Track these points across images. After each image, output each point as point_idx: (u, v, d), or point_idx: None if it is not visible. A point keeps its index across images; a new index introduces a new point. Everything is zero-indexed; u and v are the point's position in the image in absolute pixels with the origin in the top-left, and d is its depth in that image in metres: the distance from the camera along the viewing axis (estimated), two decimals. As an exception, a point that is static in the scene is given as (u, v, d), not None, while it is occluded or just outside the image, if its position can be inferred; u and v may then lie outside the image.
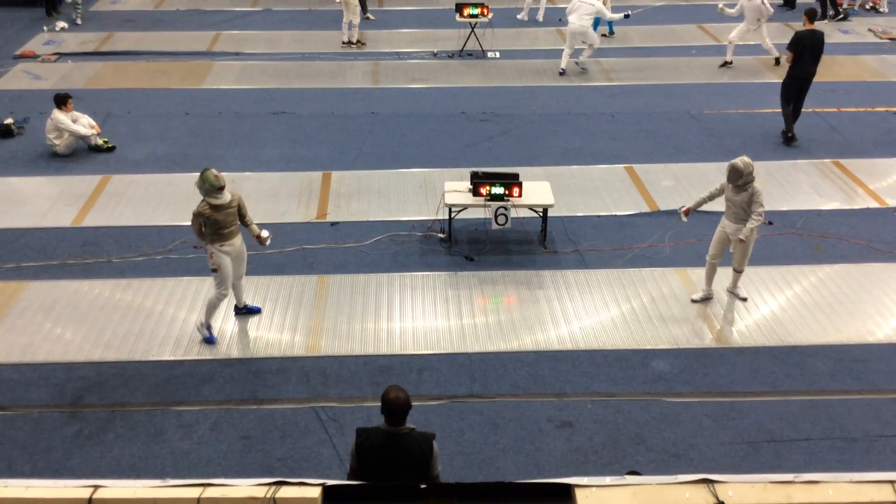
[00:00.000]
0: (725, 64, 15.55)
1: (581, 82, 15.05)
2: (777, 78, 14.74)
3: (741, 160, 8.01)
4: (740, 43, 15.55)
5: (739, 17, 15.37)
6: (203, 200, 7.58)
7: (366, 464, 5.10)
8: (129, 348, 8.11)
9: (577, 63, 15.39)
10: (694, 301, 8.80)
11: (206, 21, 18.51)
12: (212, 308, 8.09)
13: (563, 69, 15.19)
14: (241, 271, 8.23)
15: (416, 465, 5.07)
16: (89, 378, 7.73)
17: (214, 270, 7.90)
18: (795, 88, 12.10)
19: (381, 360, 7.99)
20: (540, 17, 18.46)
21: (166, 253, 9.65)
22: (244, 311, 8.54)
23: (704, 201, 8.57)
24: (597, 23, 16.51)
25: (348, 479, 5.28)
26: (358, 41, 16.81)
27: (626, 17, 15.60)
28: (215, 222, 7.60)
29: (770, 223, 10.06)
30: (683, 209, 8.66)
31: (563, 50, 15.35)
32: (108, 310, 8.66)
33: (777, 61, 15.52)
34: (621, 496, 4.01)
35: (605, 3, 15.66)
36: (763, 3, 14.77)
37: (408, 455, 5.06)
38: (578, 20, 14.67)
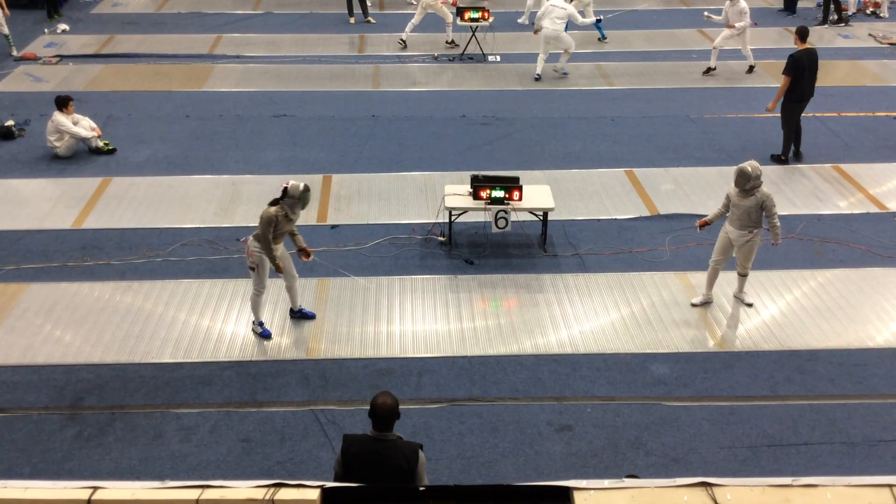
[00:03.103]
0: (709, 70, 15.44)
1: (581, 86, 15.06)
2: (778, 83, 14.77)
3: (749, 164, 8.03)
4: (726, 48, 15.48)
5: (724, 22, 15.31)
6: (279, 206, 7.76)
7: (350, 470, 5.07)
8: (128, 350, 8.12)
9: (555, 70, 15.35)
10: (694, 305, 8.80)
11: (207, 24, 18.54)
12: (254, 306, 8.26)
13: (538, 75, 15.17)
14: (291, 271, 8.29)
15: (399, 473, 5.03)
16: (89, 380, 7.74)
17: (252, 269, 8.02)
18: (799, 111, 11.78)
19: (381, 363, 8.00)
20: (525, 18, 18.53)
21: (167, 255, 9.66)
22: (298, 315, 8.56)
23: (720, 215, 8.52)
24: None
25: None
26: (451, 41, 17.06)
27: (598, 21, 15.56)
28: (279, 228, 7.81)
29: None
30: (700, 221, 8.62)
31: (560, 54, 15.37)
32: (108, 312, 8.66)
33: (751, 69, 15.39)
34: (620, 499, 4.01)
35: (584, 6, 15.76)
36: (745, 8, 14.67)
37: (391, 463, 5.02)
38: (551, 24, 14.63)
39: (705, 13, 16.02)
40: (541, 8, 15.08)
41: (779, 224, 8.25)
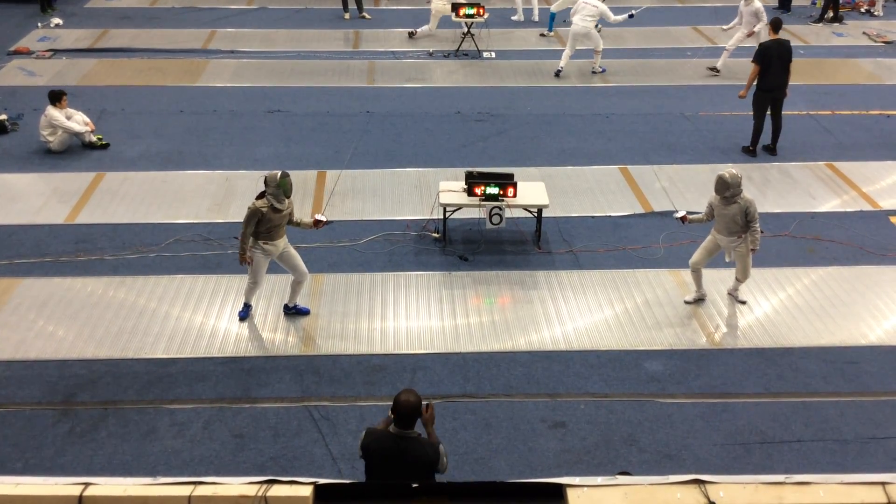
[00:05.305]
0: (714, 70, 15.41)
1: (576, 83, 15.06)
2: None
3: (728, 172, 8.02)
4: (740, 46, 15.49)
5: (738, 23, 15.29)
6: (264, 198, 7.74)
7: (371, 465, 5.09)
8: (121, 346, 8.10)
9: (593, 71, 15.42)
10: (687, 302, 8.82)
11: (201, 18, 18.48)
12: (246, 292, 8.40)
13: (560, 69, 15.17)
14: (300, 268, 8.26)
15: (421, 471, 5.04)
16: (82, 375, 7.71)
17: (248, 263, 8.08)
18: (769, 101, 11.88)
19: (375, 359, 7.99)
20: (535, 16, 18.49)
21: (160, 251, 9.63)
22: (293, 311, 8.55)
23: (701, 221, 8.55)
24: (552, 18, 16.79)
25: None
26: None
27: (630, 16, 15.57)
28: (269, 221, 7.79)
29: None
30: (683, 215, 8.55)
31: (562, 50, 15.38)
32: (101, 307, 8.64)
33: None
34: (613, 496, 4.01)
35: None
36: (761, 8, 14.68)
37: (413, 461, 5.03)
38: (581, 21, 14.66)
39: (722, 27, 15.96)
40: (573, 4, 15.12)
41: (758, 230, 8.20)
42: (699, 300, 8.83)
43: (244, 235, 7.84)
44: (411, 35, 17.23)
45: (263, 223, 7.79)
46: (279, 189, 7.72)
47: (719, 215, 8.24)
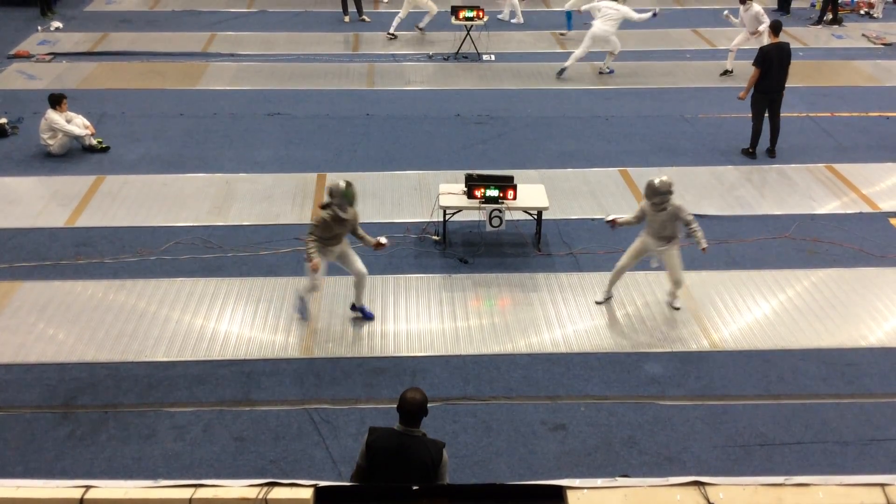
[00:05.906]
0: (726, 72, 15.47)
1: (576, 85, 15.07)
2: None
3: (659, 179, 7.99)
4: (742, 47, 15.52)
5: (741, 25, 15.33)
6: (329, 208, 7.79)
7: (374, 463, 5.09)
8: (122, 349, 8.10)
9: (601, 72, 15.44)
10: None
11: (201, 22, 18.51)
12: (304, 291, 8.31)
13: (564, 69, 15.13)
14: (354, 267, 8.26)
15: (423, 470, 5.04)
16: (82, 379, 7.72)
17: (315, 270, 8.08)
18: (767, 103, 11.90)
19: (375, 361, 7.99)
20: (505, 15, 18.58)
21: (160, 254, 9.64)
22: (357, 311, 8.57)
23: (630, 223, 8.49)
24: (569, 17, 16.65)
25: (352, 478, 5.27)
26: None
27: (654, 16, 15.41)
28: (331, 230, 7.85)
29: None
30: (612, 219, 8.54)
31: (563, 52, 15.36)
32: (101, 310, 8.64)
33: None
34: (613, 498, 4.02)
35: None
36: (761, 11, 14.73)
37: (416, 459, 5.03)
38: (603, 25, 14.58)
39: (725, 12, 16.03)
40: (589, 4, 15.06)
41: (699, 230, 8.08)
42: (608, 299, 8.81)
43: (310, 238, 7.85)
44: (393, 37, 17.25)
45: (327, 231, 7.86)
46: (344, 199, 7.78)
47: (650, 220, 8.24)
